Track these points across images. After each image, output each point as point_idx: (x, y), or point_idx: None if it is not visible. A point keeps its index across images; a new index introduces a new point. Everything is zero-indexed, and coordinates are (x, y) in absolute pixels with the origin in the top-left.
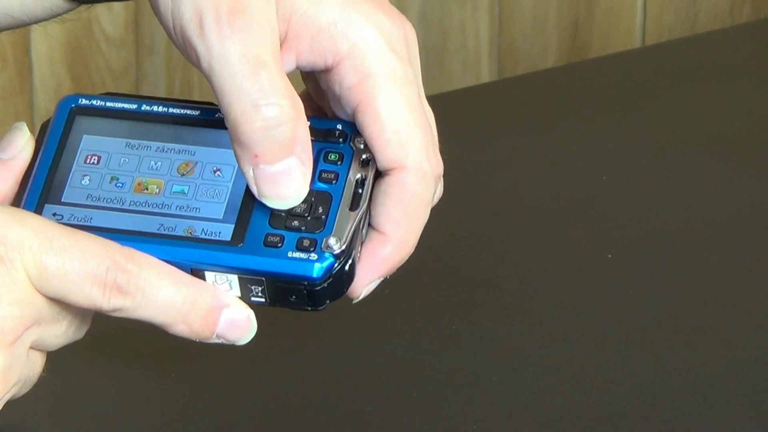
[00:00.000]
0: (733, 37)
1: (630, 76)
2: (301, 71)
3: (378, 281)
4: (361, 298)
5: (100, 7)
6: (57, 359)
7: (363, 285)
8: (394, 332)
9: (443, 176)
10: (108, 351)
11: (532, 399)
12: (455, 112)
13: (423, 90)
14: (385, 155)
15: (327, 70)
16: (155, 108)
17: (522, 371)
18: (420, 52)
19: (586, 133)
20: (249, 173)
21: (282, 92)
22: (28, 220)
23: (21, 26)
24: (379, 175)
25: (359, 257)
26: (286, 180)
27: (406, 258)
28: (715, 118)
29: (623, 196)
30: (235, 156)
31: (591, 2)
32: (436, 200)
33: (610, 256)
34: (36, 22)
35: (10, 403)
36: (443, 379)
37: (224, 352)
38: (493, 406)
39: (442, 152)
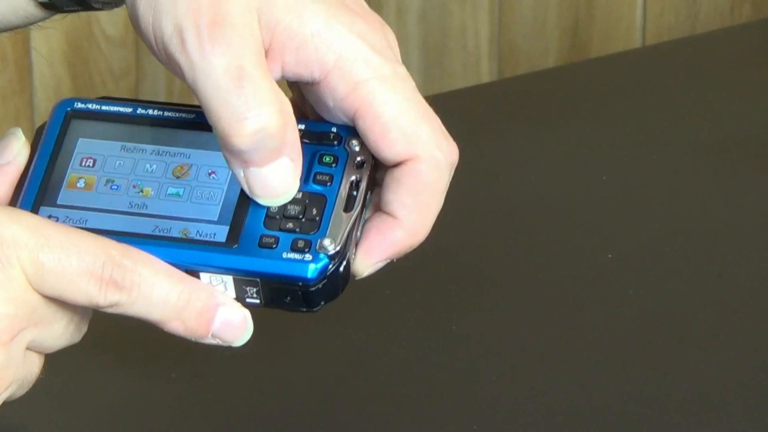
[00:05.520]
0: (733, 37)
1: (630, 76)
2: (287, 81)
3: (384, 262)
4: (365, 275)
5: None
6: (57, 360)
7: (369, 264)
8: (394, 332)
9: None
10: (108, 352)
11: (532, 399)
12: (455, 112)
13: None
14: (393, 153)
15: (314, 83)
16: (150, 111)
17: (522, 371)
18: (420, 52)
19: (586, 133)
20: (240, 174)
21: (268, 101)
22: (24, 218)
23: None
24: (374, 182)
25: (354, 255)
26: (277, 179)
27: (417, 245)
28: (715, 118)
29: (623, 196)
30: (225, 159)
31: (591, 2)
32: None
33: (610, 256)
34: (12, 28)
35: (8, 404)
36: (443, 379)
37: (224, 352)
38: (493, 406)
39: None
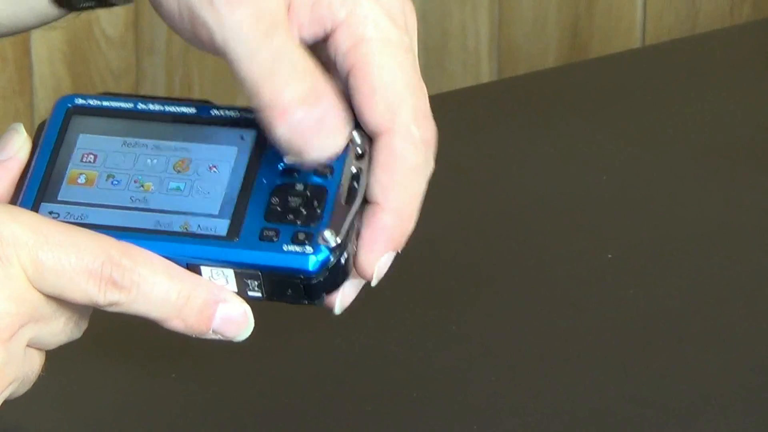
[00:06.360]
0: (733, 37)
1: (630, 76)
2: None
3: (388, 258)
4: (375, 277)
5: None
6: (57, 359)
7: (372, 261)
8: (394, 332)
9: (443, 159)
10: (108, 351)
11: (532, 399)
12: (455, 112)
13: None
14: (372, 118)
15: (325, 39)
16: (151, 106)
17: (522, 371)
18: (420, 52)
19: (586, 133)
20: (278, 131)
21: (297, 51)
22: (23, 216)
23: (10, 35)
24: None
25: (355, 248)
26: (319, 128)
27: (409, 230)
28: (714, 118)
29: (623, 196)
30: (261, 118)
31: (591, 2)
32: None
33: (610, 256)
34: (26, 30)
35: (8, 403)
36: (443, 379)
37: (224, 351)
38: (493, 406)
39: (441, 151)
